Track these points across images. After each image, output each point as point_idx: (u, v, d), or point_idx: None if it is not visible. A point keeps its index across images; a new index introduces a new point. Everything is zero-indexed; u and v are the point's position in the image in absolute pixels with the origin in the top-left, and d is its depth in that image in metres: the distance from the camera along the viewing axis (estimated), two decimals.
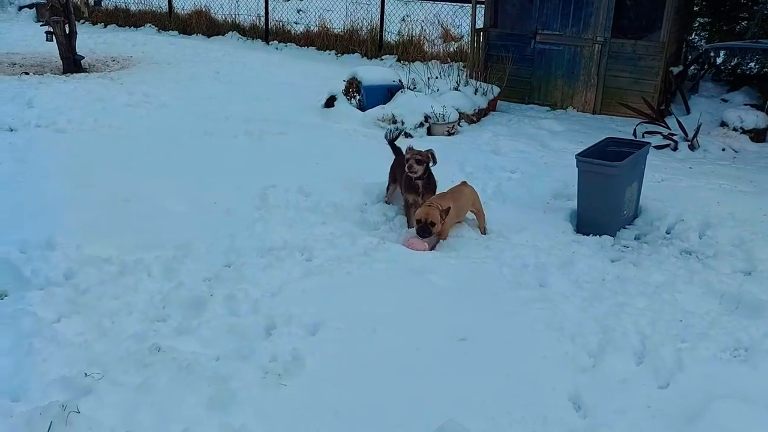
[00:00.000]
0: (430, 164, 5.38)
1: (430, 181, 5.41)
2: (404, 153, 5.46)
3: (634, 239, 5.40)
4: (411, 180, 5.28)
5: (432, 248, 4.96)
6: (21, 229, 4.63)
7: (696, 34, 10.47)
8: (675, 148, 7.99)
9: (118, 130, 7.25)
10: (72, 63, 11.10)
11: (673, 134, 8.15)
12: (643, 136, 8.04)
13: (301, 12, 15.79)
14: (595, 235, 5.36)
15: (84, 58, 11.42)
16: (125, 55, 12.63)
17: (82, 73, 10.90)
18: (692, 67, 10.05)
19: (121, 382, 3.07)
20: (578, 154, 5.51)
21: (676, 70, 9.44)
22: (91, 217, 4.96)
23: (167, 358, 3.24)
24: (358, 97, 8.87)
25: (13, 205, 5.14)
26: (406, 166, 5.22)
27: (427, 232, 4.91)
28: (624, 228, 5.57)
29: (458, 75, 9.52)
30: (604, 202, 5.37)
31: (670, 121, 8.44)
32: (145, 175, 5.90)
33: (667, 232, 5.45)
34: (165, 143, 6.86)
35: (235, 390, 3.08)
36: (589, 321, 3.90)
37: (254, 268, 4.34)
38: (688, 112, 9.00)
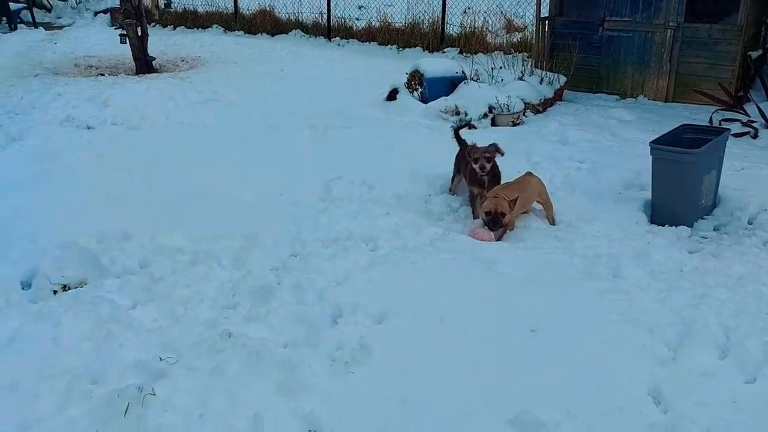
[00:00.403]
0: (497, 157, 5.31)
1: (494, 173, 5.32)
2: (469, 147, 5.39)
3: (713, 230, 5.14)
4: (476, 173, 5.21)
5: (498, 239, 4.87)
6: (99, 221, 4.82)
7: None
8: (755, 136, 7.56)
9: (189, 127, 7.46)
10: (144, 64, 11.51)
11: (753, 121, 7.72)
12: (720, 124, 7.65)
13: (362, 8, 15.85)
14: (671, 226, 5.13)
15: (155, 59, 11.83)
16: (194, 56, 13.01)
17: (154, 74, 11.28)
18: None
19: (195, 367, 3.14)
20: (652, 142, 5.28)
21: (755, 54, 8.91)
22: (164, 209, 5.12)
23: (238, 344, 3.29)
24: (420, 90, 8.81)
25: (92, 197, 5.36)
26: (478, 166, 5.16)
27: (498, 223, 4.81)
28: (702, 218, 5.30)
29: (523, 65, 9.33)
30: (681, 191, 5.13)
31: (750, 108, 7.99)
32: (214, 169, 6.04)
33: (749, 223, 5.16)
34: (233, 139, 7.02)
35: (303, 377, 3.11)
36: (666, 312, 3.72)
37: (320, 258, 4.37)
38: None
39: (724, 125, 7.44)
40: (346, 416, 2.88)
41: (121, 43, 11.84)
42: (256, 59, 12.46)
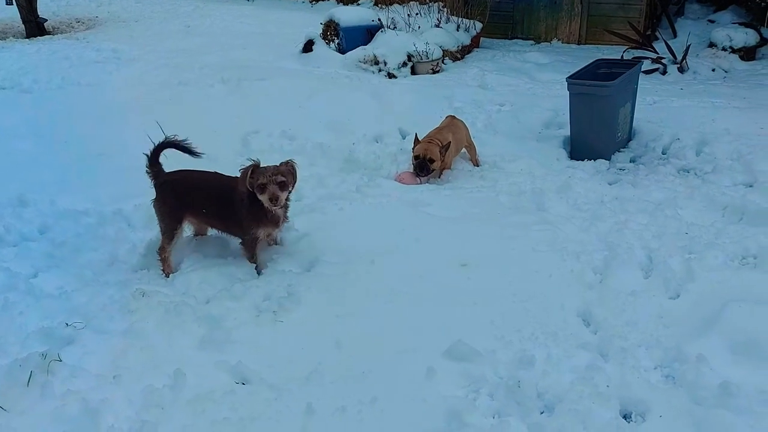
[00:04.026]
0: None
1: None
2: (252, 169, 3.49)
3: (630, 161, 5.25)
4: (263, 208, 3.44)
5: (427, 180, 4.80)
6: None
7: None
8: (664, 72, 7.80)
9: (88, 87, 6.89)
10: (35, 26, 10.61)
11: (662, 58, 7.94)
12: None
13: None
14: (590, 160, 5.20)
15: (47, 20, 10.93)
16: (90, 16, 12.11)
17: (47, 36, 10.42)
18: None
19: (106, 329, 2.89)
20: (569, 77, 5.30)
21: None
22: (64, 172, 4.72)
23: (153, 303, 3.06)
24: (337, 40, 8.53)
25: None
26: (267, 196, 3.36)
27: (426, 169, 4.73)
28: (619, 151, 5.40)
29: (439, 12, 9.18)
30: (598, 124, 5.18)
31: (658, 46, 8.22)
32: (118, 128, 5.60)
33: (663, 153, 5.30)
34: (137, 96, 6.53)
35: (228, 329, 2.93)
36: (592, 239, 3.76)
37: None
38: (675, 36, 8.77)
39: None
40: (277, 364, 2.73)
41: (7, 4, 10.88)
42: (159, 17, 11.72)
